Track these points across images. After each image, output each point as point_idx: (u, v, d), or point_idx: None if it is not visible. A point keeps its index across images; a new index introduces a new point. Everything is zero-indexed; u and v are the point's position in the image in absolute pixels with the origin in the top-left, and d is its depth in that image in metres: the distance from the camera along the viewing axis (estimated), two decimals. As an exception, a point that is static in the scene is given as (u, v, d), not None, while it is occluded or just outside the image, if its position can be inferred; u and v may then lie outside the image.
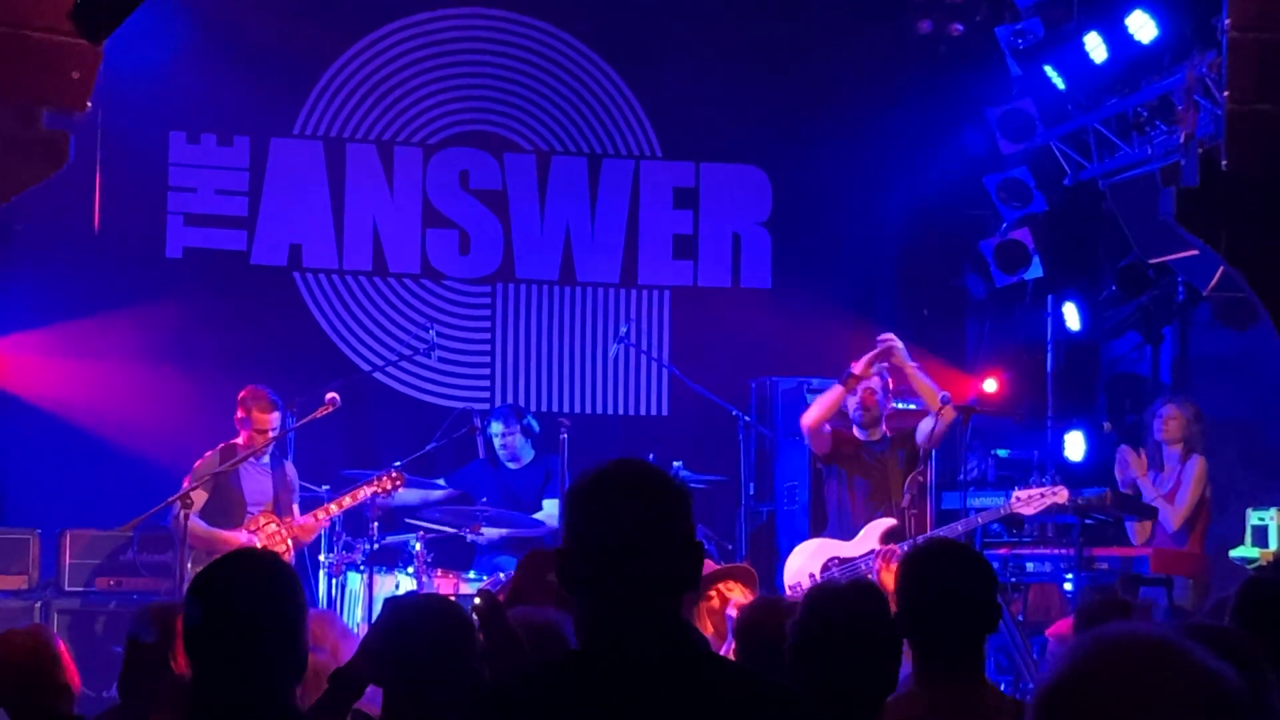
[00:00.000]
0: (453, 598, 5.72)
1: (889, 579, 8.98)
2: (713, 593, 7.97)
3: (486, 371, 13.22)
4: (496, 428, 11.67)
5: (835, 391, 10.25)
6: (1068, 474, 12.73)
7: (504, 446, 11.64)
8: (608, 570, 3.07)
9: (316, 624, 6.13)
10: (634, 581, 3.06)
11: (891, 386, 10.47)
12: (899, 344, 10.20)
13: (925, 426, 10.04)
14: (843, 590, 4.11)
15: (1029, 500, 9.74)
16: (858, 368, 10.22)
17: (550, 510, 11.16)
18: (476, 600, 4.72)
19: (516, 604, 5.65)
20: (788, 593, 10.05)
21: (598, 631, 3.09)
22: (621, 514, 3.08)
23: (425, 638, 4.31)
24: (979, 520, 9.99)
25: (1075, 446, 12.88)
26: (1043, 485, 10.01)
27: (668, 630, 3.08)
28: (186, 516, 9.73)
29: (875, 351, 10.25)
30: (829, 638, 3.96)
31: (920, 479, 9.95)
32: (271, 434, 10.35)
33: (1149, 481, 10.56)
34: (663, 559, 3.08)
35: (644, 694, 3.00)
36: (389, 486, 10.49)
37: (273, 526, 10.35)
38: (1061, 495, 9.71)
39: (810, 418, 10.24)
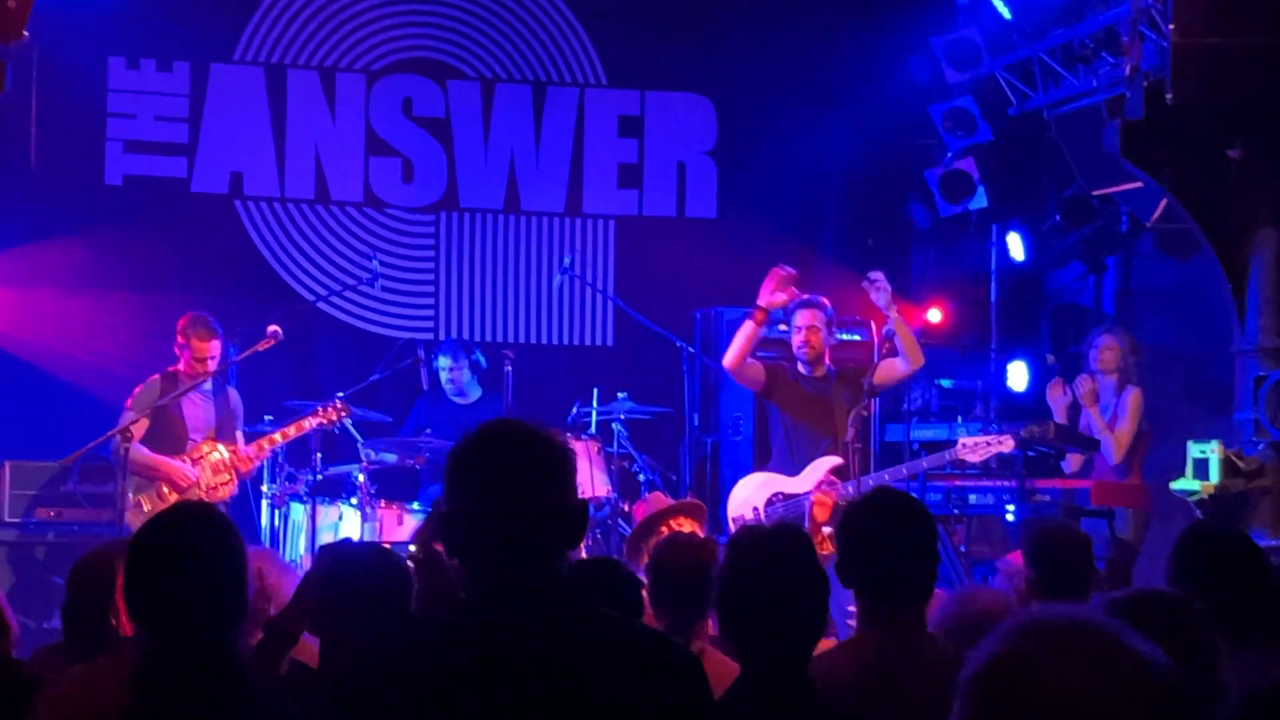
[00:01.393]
0: (388, 545, 5.69)
1: (821, 512, 9.01)
2: (663, 528, 7.97)
3: (430, 301, 13.15)
4: (444, 362, 11.63)
5: (747, 327, 10.15)
6: (1010, 404, 12.82)
7: (450, 381, 11.61)
8: (489, 533, 3.07)
9: (257, 561, 6.10)
10: (515, 543, 3.06)
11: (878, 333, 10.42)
12: (887, 286, 10.08)
13: (894, 368, 9.99)
14: (766, 535, 4.09)
15: (974, 448, 9.74)
16: (762, 299, 10.16)
17: None
18: (412, 549, 4.70)
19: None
20: (731, 525, 10.06)
21: (481, 595, 3.09)
22: (502, 476, 3.08)
23: (362, 589, 4.28)
24: (924, 465, 9.99)
25: (1018, 377, 12.93)
26: (988, 430, 10.03)
27: (551, 591, 3.08)
28: (127, 450, 9.67)
29: (775, 279, 10.18)
30: (753, 584, 3.94)
31: (864, 413, 9.95)
32: (211, 363, 10.27)
33: (1098, 410, 10.59)
34: (545, 520, 3.08)
35: (527, 656, 3.00)
36: (334, 418, 10.45)
37: (216, 455, 10.29)
38: (1007, 444, 9.72)
39: (729, 358, 10.18)
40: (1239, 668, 3.82)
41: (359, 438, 11.05)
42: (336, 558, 4.48)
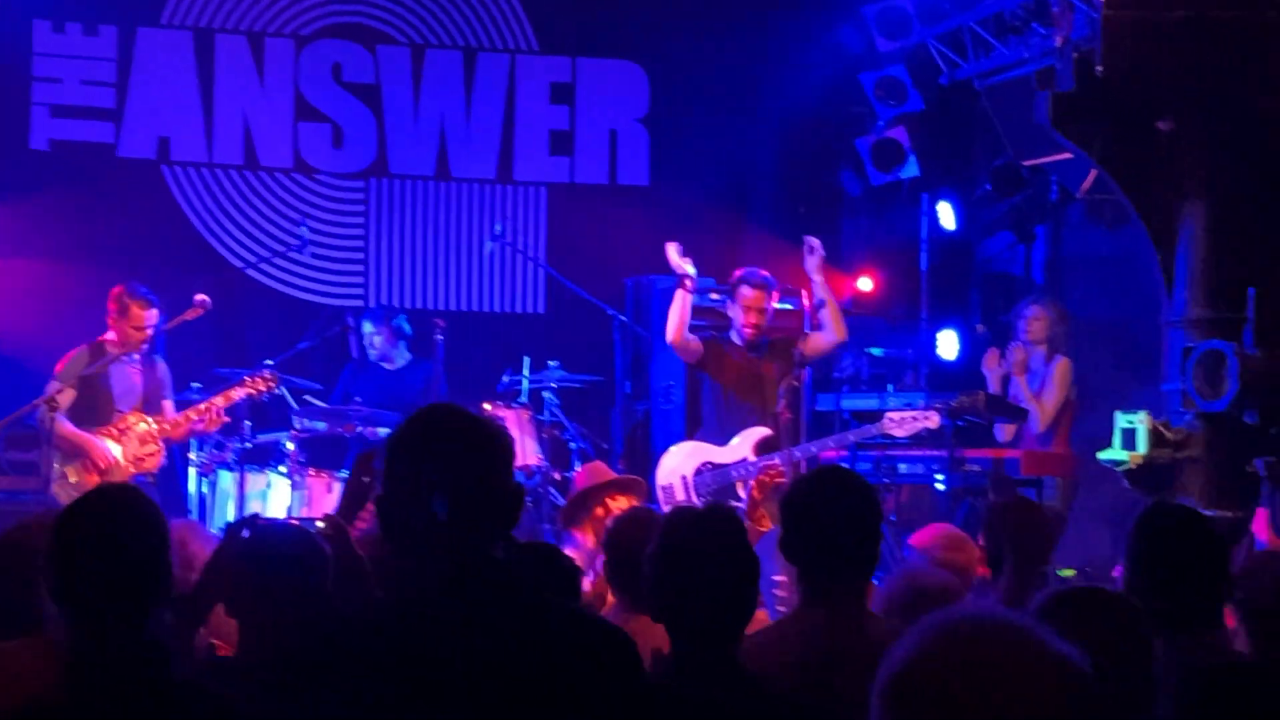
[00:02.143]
0: (297, 521, 5.65)
1: (760, 490, 9.02)
2: (600, 507, 7.96)
3: (360, 268, 13.07)
4: (366, 328, 11.58)
5: (680, 299, 10.19)
6: (940, 372, 12.88)
7: (372, 346, 11.55)
8: (426, 517, 3.08)
9: (180, 532, 6.06)
10: (451, 528, 3.07)
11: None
12: (820, 252, 10.11)
13: (820, 341, 10.01)
14: (697, 516, 4.09)
15: (900, 422, 9.79)
16: (677, 269, 10.22)
17: None
18: (319, 524, 4.68)
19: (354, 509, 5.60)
20: (659, 493, 10.08)
21: (418, 579, 3.10)
22: (439, 460, 3.09)
23: (278, 569, 4.25)
24: (851, 438, 10.04)
25: (948, 345, 12.99)
26: (917, 402, 10.08)
27: (488, 575, 3.09)
28: (53, 419, 9.58)
29: (674, 252, 10.24)
30: (683, 565, 3.94)
31: (795, 384, 9.97)
32: (149, 331, 10.20)
33: (1024, 381, 10.65)
34: (481, 504, 3.10)
35: (463, 640, 3.00)
36: (262, 388, 10.39)
37: (143, 425, 10.21)
38: (933, 420, 9.77)
39: (671, 334, 10.20)
40: (1180, 653, 3.85)
41: (294, 405, 11.01)
42: (249, 537, 4.43)
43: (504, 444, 3.16)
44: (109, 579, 3.53)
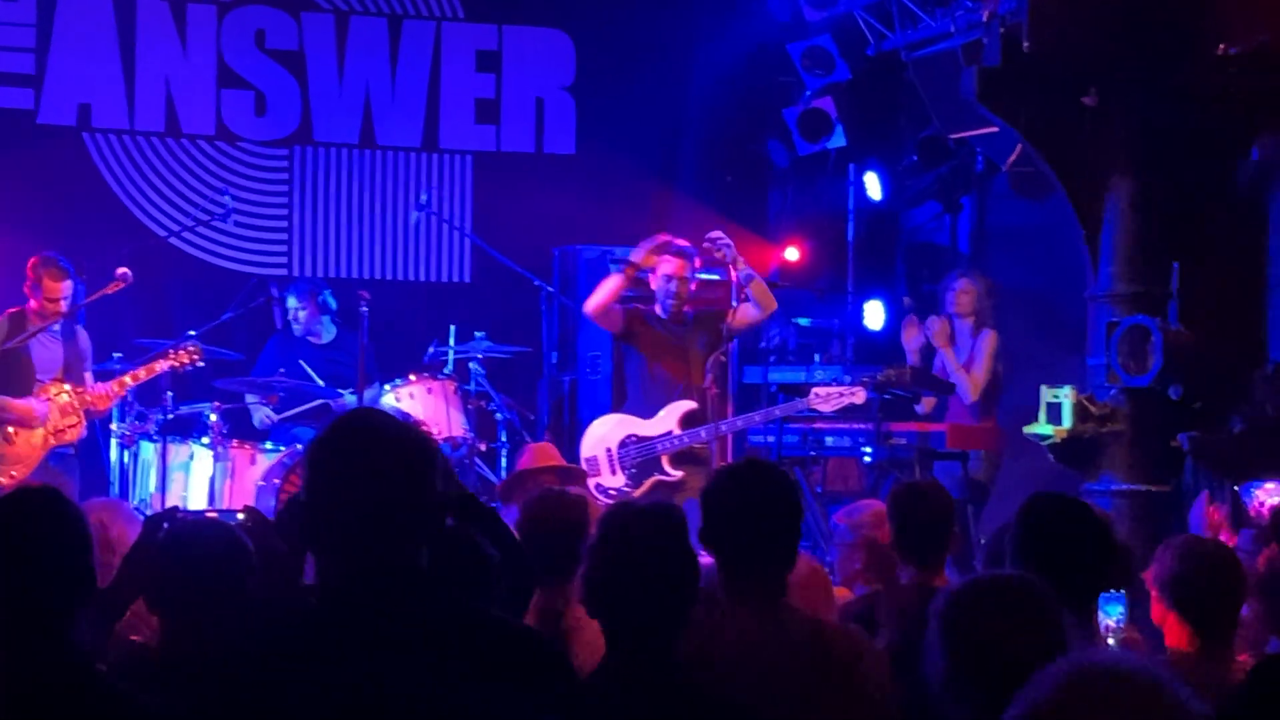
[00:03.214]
0: (215, 514, 5.58)
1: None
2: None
3: (284, 237, 12.95)
4: (291, 302, 11.47)
5: (615, 280, 10.13)
6: (867, 343, 12.92)
7: (296, 321, 11.45)
8: (346, 524, 3.05)
9: (103, 512, 6.00)
10: (372, 536, 3.04)
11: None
12: (730, 243, 10.06)
13: (748, 314, 9.98)
14: (635, 514, 4.07)
15: (827, 398, 9.79)
16: (637, 256, 10.15)
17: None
18: (240, 516, 4.63)
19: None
20: (584, 465, 10.07)
21: (338, 586, 3.07)
22: (361, 468, 3.06)
23: (199, 566, 4.21)
24: (777, 413, 10.05)
25: (875, 316, 13.02)
26: (844, 377, 10.10)
27: (409, 584, 3.06)
28: (-29, 391, 9.48)
29: (654, 243, 10.17)
30: (620, 564, 3.93)
31: (722, 358, 9.97)
32: (63, 303, 10.08)
33: (952, 352, 10.68)
34: (403, 512, 3.07)
35: (383, 650, 2.97)
36: (185, 361, 10.29)
37: (65, 396, 10.10)
38: (859, 396, 9.78)
39: (592, 305, 10.14)
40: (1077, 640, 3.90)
41: (257, 404, 10.98)
42: (168, 533, 4.38)
43: (426, 451, 3.11)
44: (28, 587, 3.48)
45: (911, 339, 11.03)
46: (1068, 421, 9.50)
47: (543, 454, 9.11)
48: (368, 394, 10.60)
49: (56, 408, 10.05)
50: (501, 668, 3.01)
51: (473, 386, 11.18)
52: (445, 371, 11.07)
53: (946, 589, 3.52)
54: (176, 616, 4.24)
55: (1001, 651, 3.28)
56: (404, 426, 3.15)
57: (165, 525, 4.41)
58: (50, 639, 3.47)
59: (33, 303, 10.12)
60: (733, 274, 10.01)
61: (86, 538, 3.60)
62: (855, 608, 6.04)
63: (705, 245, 10.04)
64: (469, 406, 11.00)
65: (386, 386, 10.75)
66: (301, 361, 11.16)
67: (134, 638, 4.83)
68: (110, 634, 4.39)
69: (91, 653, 3.68)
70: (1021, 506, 4.93)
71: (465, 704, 2.95)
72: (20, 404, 9.95)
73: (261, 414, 11.09)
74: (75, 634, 3.53)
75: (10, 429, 9.93)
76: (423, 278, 13.24)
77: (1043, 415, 9.64)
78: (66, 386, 10.12)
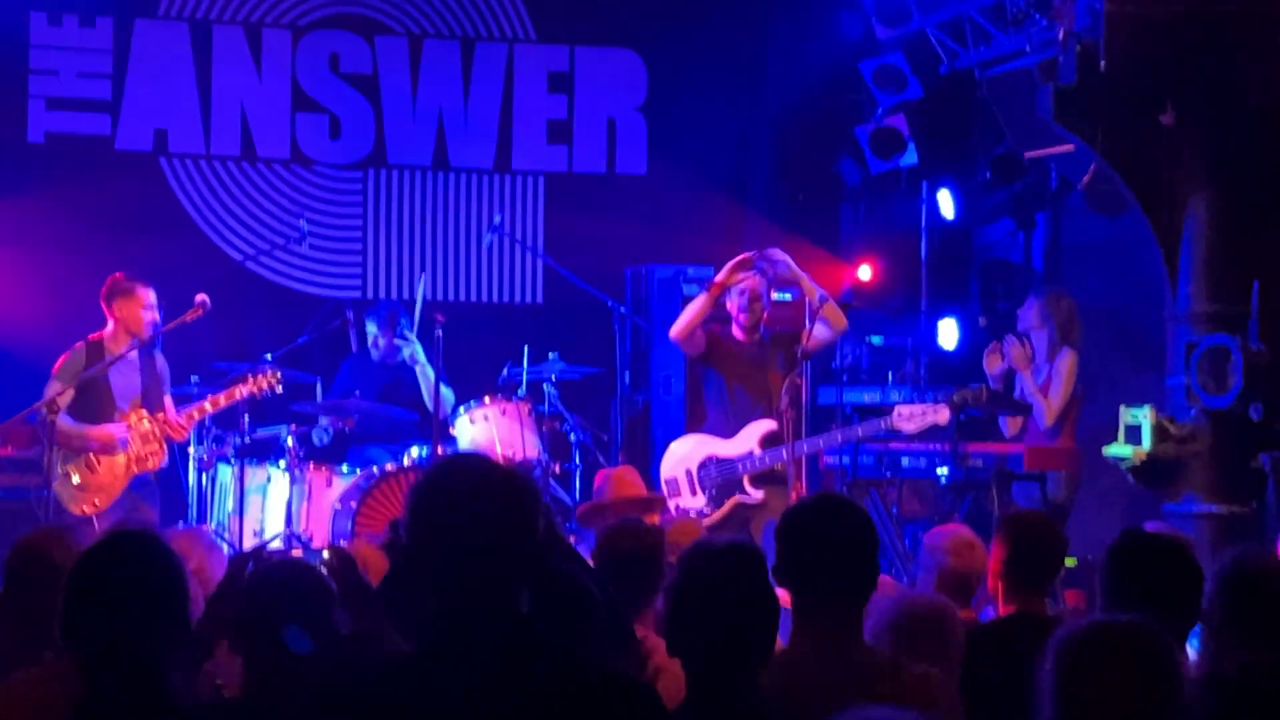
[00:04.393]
0: (299, 552, 5.58)
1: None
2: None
3: (358, 260, 13.02)
4: (371, 328, 11.52)
5: (701, 301, 10.11)
6: (941, 362, 12.84)
7: (375, 346, 11.50)
8: (451, 570, 3.06)
9: (184, 542, 6.04)
10: (476, 582, 3.06)
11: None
12: (789, 259, 10.05)
13: (819, 335, 9.96)
14: (716, 553, 4.05)
15: (910, 418, 9.75)
16: (721, 276, 10.13)
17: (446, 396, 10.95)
18: (325, 554, 4.64)
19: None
20: (663, 487, 10.06)
21: (441, 631, 3.08)
22: (466, 513, 3.07)
23: (281, 607, 4.21)
24: (859, 433, 10.00)
25: (948, 335, 12.94)
26: (923, 395, 10.04)
27: (510, 629, 3.07)
28: (53, 421, 9.53)
29: (738, 259, 10.14)
30: (701, 603, 3.92)
31: (797, 380, 9.93)
32: (155, 311, 10.11)
33: (1030, 375, 10.59)
34: (507, 558, 3.08)
35: (485, 695, 2.98)
36: (265, 386, 10.34)
37: (145, 424, 10.15)
38: (942, 416, 9.73)
39: (678, 329, 10.12)
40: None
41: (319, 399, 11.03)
42: (252, 574, 4.39)
43: (528, 495, 3.12)
44: (125, 631, 3.50)
45: (994, 366, 10.92)
46: (1147, 443, 9.42)
47: (623, 482, 9.08)
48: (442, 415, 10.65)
49: (138, 435, 10.10)
50: (600, 712, 3.01)
51: (546, 408, 11.19)
52: (519, 393, 11.09)
53: (1064, 629, 3.45)
54: (259, 658, 4.25)
55: (1118, 703, 3.21)
56: (508, 470, 3.16)
57: (250, 565, 4.42)
58: (146, 682, 3.49)
59: (110, 325, 10.16)
60: (757, 283, 10.04)
61: (182, 582, 3.62)
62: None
63: (760, 266, 10.04)
64: (543, 428, 10.99)
65: (461, 409, 10.78)
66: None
67: (218, 681, 4.85)
68: (198, 674, 4.41)
69: (180, 693, 3.69)
70: (1114, 544, 4.86)
71: None
72: (102, 432, 10.00)
73: (319, 432, 11.13)
74: (166, 679, 3.55)
75: (94, 457, 9.99)
76: (496, 299, 13.27)
77: (1121, 436, 9.56)
78: (146, 413, 10.18)
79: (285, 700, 4.04)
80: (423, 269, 13.03)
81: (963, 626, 5.24)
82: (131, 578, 3.56)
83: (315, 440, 11.09)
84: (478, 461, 3.17)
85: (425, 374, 11.12)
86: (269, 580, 4.32)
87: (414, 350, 11.26)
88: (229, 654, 4.62)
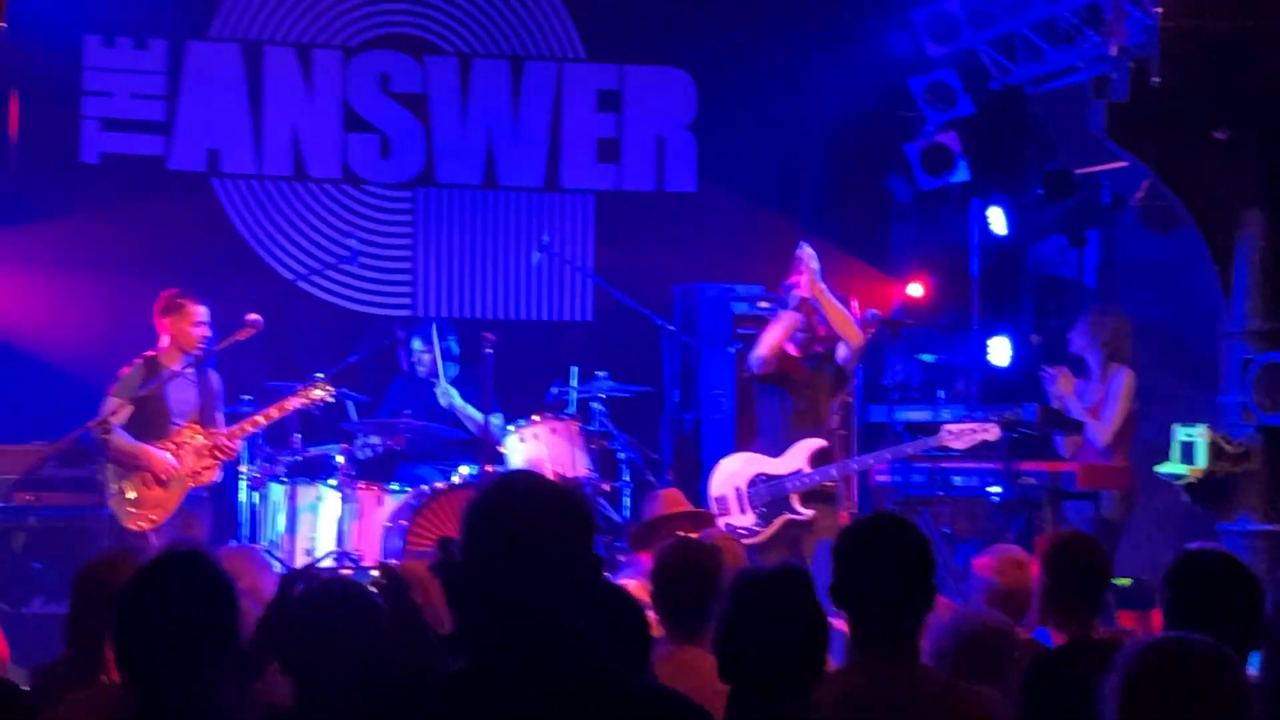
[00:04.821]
0: (349, 570, 5.55)
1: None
2: (671, 535, 7.94)
3: (408, 278, 13.06)
4: (417, 345, 11.56)
5: (791, 319, 10.00)
6: (993, 380, 12.79)
7: (420, 363, 11.54)
8: (503, 590, 3.05)
9: (235, 560, 6.05)
10: (528, 603, 3.04)
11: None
12: (810, 263, 10.01)
13: (840, 352, 9.94)
14: (767, 577, 4.04)
15: (959, 435, 9.71)
16: (804, 290, 10.00)
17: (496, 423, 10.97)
18: (374, 573, 4.63)
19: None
20: (712, 505, 10.03)
21: (489, 650, 3.06)
22: (521, 534, 3.05)
23: (331, 627, 4.20)
24: (908, 450, 9.96)
25: (1000, 352, 12.89)
26: (974, 414, 10.00)
27: (562, 651, 3.05)
28: (106, 440, 9.58)
29: (811, 269, 10.06)
30: (751, 628, 3.90)
31: (848, 399, 9.90)
32: (207, 328, 10.16)
33: (1075, 399, 10.53)
34: (560, 579, 3.07)
35: (543, 716, 2.97)
36: (317, 398, 10.37)
37: (199, 439, 10.20)
38: (992, 433, 9.68)
39: (765, 352, 9.98)
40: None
41: (354, 418, 11.06)
42: (301, 594, 4.38)
43: (583, 514, 3.11)
44: (172, 654, 3.50)
45: (1051, 387, 10.83)
46: (1202, 461, 9.35)
47: (672, 500, 9.10)
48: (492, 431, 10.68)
49: (191, 451, 10.14)
50: None
51: (595, 426, 11.20)
52: (568, 411, 11.10)
53: (1130, 648, 3.41)
54: (308, 678, 4.24)
55: None
56: (563, 487, 3.14)
57: (299, 585, 4.42)
58: (197, 702, 3.49)
59: (164, 340, 10.21)
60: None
61: (233, 602, 3.62)
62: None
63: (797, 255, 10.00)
64: (592, 446, 10.99)
65: (511, 427, 10.79)
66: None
67: (269, 700, 4.84)
68: (247, 694, 4.40)
69: (231, 713, 3.69)
70: (1173, 564, 4.82)
71: None
72: (154, 454, 10.02)
73: (362, 447, 11.15)
74: (219, 696, 3.55)
75: (148, 474, 10.04)
76: (545, 317, 13.29)
77: (1176, 454, 9.50)
78: (200, 429, 10.23)
79: (332, 717, 4.03)
80: (472, 287, 13.06)
81: (1022, 646, 5.21)
82: (182, 598, 3.56)
83: (359, 455, 11.10)
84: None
85: (468, 414, 11.15)
86: (319, 599, 4.31)
87: (451, 398, 11.27)
88: (280, 674, 4.61)
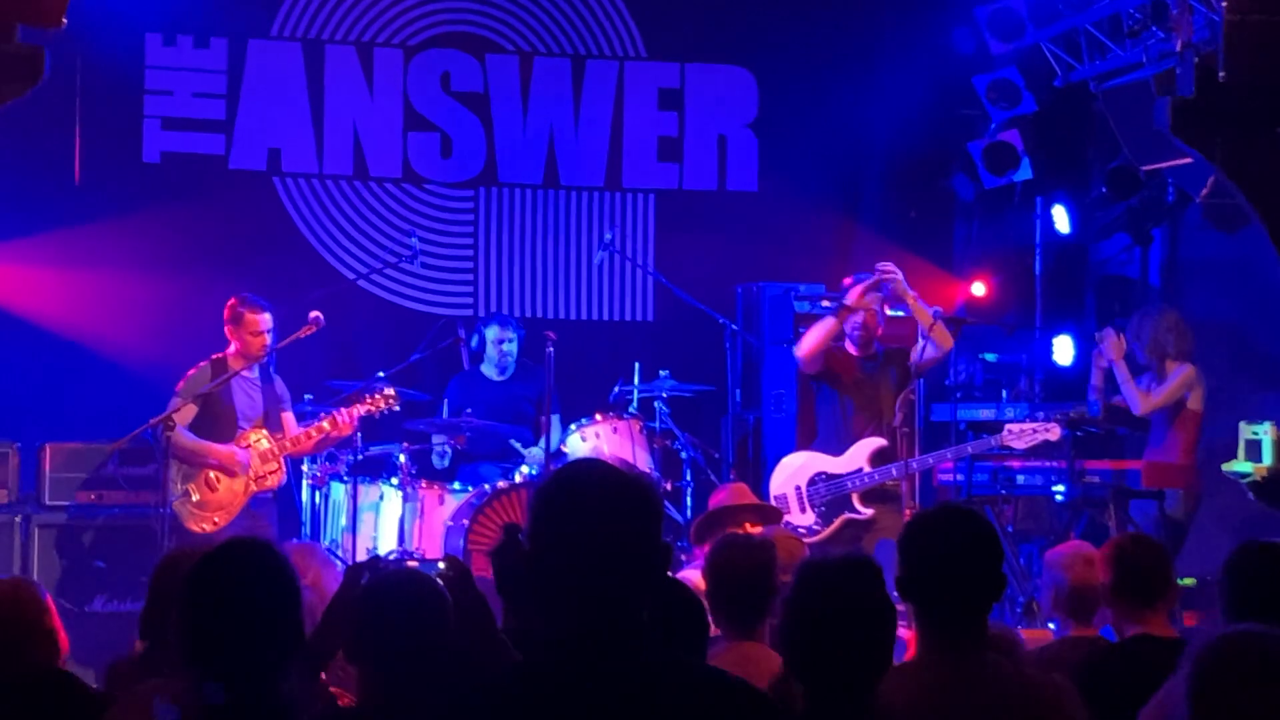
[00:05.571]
0: (416, 563, 5.57)
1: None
2: (736, 529, 7.94)
3: (470, 277, 13.06)
4: (493, 332, 11.50)
5: (829, 324, 10.09)
6: (1056, 379, 12.70)
7: (505, 354, 11.48)
8: (573, 579, 3.03)
9: (299, 556, 6.05)
10: (599, 591, 3.03)
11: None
12: (899, 274, 10.03)
13: (928, 354, 9.91)
14: (834, 567, 4.00)
15: (1021, 435, 9.67)
16: (852, 299, 10.06)
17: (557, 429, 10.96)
18: (441, 565, 4.63)
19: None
20: (772, 503, 10.01)
21: (561, 640, 3.04)
22: (590, 522, 3.03)
23: (397, 617, 4.20)
24: (969, 450, 9.91)
25: (1064, 351, 12.80)
26: (1036, 413, 9.94)
27: (632, 639, 3.04)
28: (169, 439, 9.62)
29: (869, 281, 10.08)
30: (817, 617, 3.87)
31: (911, 397, 9.87)
32: (266, 335, 10.20)
33: (1124, 365, 10.41)
34: (630, 567, 3.05)
35: (606, 705, 2.96)
36: (382, 405, 10.40)
37: (264, 443, 10.24)
38: (1054, 433, 9.63)
39: (805, 350, 10.10)
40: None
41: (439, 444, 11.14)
42: (368, 584, 4.38)
43: (652, 502, 3.09)
44: (237, 640, 3.50)
45: (1099, 364, 10.74)
46: (1268, 458, 9.28)
47: (736, 493, 9.07)
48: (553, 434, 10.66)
49: (257, 454, 10.19)
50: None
51: (657, 425, 11.18)
52: (630, 410, 11.08)
53: (1202, 639, 3.36)
54: (375, 668, 4.24)
55: (1257, 712, 3.14)
56: (631, 476, 3.11)
57: (366, 576, 4.42)
58: (261, 690, 3.49)
59: (233, 345, 10.27)
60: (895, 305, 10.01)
61: (297, 591, 3.62)
62: (1058, 653, 5.93)
63: (875, 278, 9.99)
64: (654, 445, 10.98)
65: (573, 426, 10.78)
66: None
67: (334, 689, 4.85)
68: (315, 684, 4.41)
69: (296, 703, 3.68)
70: (1230, 557, 4.79)
71: None
72: (224, 451, 10.09)
73: (438, 455, 11.20)
74: (283, 688, 3.54)
75: (214, 475, 10.08)
76: (606, 316, 13.27)
77: (1241, 452, 9.43)
78: (265, 433, 10.26)
79: (401, 710, 4.02)
80: (534, 287, 13.07)
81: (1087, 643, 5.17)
82: (246, 585, 3.56)
83: (435, 463, 11.14)
84: (601, 468, 3.13)
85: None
86: (385, 589, 4.31)
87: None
88: (345, 665, 4.62)
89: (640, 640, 3.04)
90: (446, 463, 11.22)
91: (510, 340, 11.51)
